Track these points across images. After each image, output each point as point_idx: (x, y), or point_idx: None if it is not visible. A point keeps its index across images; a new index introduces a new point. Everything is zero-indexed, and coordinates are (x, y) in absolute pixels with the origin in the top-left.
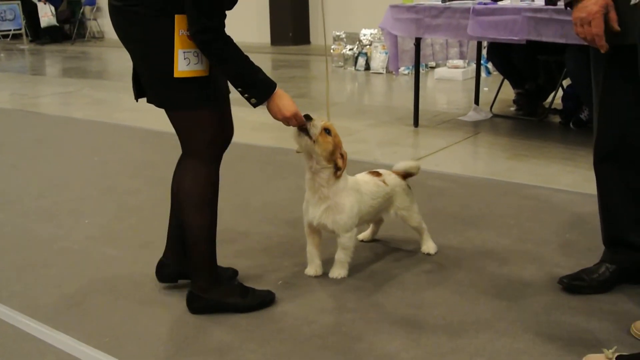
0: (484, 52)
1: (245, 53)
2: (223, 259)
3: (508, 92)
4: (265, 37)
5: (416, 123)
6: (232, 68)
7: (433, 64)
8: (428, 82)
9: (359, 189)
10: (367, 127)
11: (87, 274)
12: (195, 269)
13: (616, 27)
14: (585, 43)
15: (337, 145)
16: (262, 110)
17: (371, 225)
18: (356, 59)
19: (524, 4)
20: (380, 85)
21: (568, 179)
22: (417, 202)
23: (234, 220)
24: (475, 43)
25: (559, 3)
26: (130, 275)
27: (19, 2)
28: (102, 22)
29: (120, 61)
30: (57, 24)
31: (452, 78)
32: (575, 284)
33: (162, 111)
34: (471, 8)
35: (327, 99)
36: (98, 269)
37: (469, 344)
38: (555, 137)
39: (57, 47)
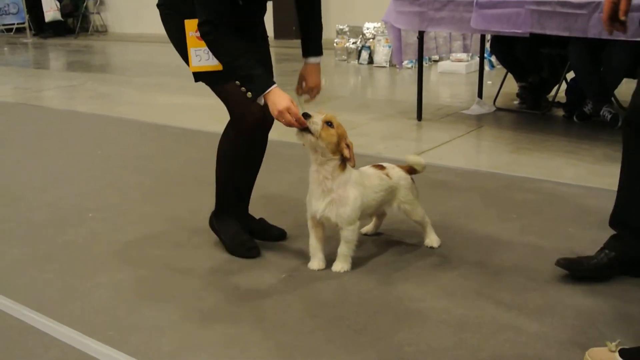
0: (488, 45)
1: None
2: (226, 253)
3: (511, 85)
4: (269, 30)
5: (419, 116)
6: (226, 60)
7: (436, 57)
8: (431, 75)
9: (362, 182)
10: (370, 121)
11: (91, 268)
12: (216, 197)
13: (622, 16)
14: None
15: (341, 136)
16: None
17: (374, 219)
18: (359, 52)
19: None
20: (383, 79)
21: (571, 172)
22: (420, 196)
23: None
24: (478, 36)
25: None
26: (135, 269)
27: None
28: (106, 16)
29: (123, 55)
30: (62, 19)
31: (455, 71)
32: (573, 267)
33: (165, 105)
34: (474, 1)
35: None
36: (102, 263)
37: (471, 337)
38: (559, 130)
39: (61, 41)
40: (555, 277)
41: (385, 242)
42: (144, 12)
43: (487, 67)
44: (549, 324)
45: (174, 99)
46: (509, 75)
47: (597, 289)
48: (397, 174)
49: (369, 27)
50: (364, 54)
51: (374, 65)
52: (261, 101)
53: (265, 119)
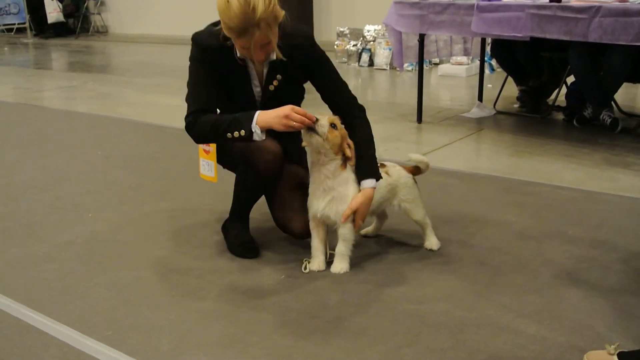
0: (488, 48)
1: None
2: (225, 254)
3: (511, 89)
4: None
5: (419, 119)
6: (208, 129)
7: (437, 60)
8: (432, 78)
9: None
10: (370, 123)
11: (90, 268)
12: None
13: None
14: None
15: (343, 137)
16: None
17: (375, 221)
18: (360, 55)
19: (528, 1)
20: (383, 82)
21: (571, 176)
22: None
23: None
24: (479, 40)
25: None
26: (134, 269)
27: None
28: (106, 17)
29: (123, 55)
30: (64, 20)
31: (455, 74)
32: None
33: (166, 106)
34: (475, 4)
35: None
36: (101, 263)
37: (470, 339)
38: (559, 134)
39: (61, 41)
40: (554, 280)
41: (385, 243)
42: (145, 13)
43: (487, 71)
44: (547, 326)
45: (175, 100)
46: (509, 79)
47: (596, 292)
48: (397, 172)
49: (370, 30)
50: (365, 57)
51: (375, 67)
52: (261, 135)
53: (278, 152)
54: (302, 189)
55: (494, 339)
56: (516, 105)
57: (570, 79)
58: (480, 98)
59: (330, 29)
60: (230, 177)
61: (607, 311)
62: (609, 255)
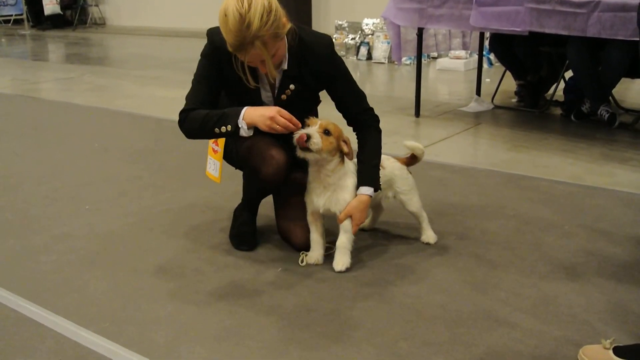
0: (486, 43)
1: None
2: (226, 244)
3: (510, 83)
4: None
5: (417, 113)
6: (198, 125)
7: (435, 54)
8: (430, 72)
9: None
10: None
11: (87, 260)
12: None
13: None
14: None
15: (339, 138)
16: None
17: (371, 213)
18: (358, 48)
19: None
20: (382, 75)
21: (568, 171)
22: (417, 191)
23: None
24: (477, 34)
25: None
26: (131, 262)
27: None
28: (104, 9)
29: (121, 48)
30: (61, 12)
31: (454, 69)
32: None
33: (163, 98)
34: None
35: None
36: (98, 255)
37: (466, 333)
38: (556, 129)
39: (59, 33)
40: (551, 274)
41: (382, 237)
42: (142, 5)
43: (485, 65)
44: (543, 321)
45: (172, 93)
46: (508, 73)
47: (592, 287)
48: (391, 164)
49: (368, 23)
50: (363, 50)
51: (373, 61)
52: (248, 131)
53: (282, 162)
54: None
55: (490, 332)
56: (514, 100)
57: (569, 74)
58: (478, 92)
59: (328, 22)
60: (231, 175)
61: (603, 306)
62: (606, 250)
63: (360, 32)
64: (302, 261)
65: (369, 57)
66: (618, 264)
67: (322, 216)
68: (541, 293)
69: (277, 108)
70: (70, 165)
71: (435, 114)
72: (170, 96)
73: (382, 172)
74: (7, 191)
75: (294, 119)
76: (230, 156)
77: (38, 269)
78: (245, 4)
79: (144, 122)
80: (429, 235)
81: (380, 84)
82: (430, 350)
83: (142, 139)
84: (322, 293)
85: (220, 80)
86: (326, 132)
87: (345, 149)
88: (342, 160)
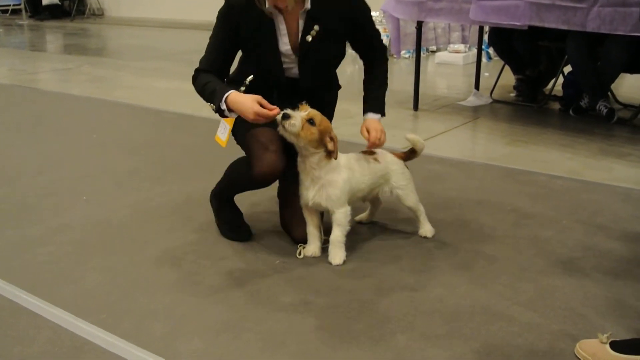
0: (485, 37)
1: None
2: (220, 238)
3: (508, 77)
4: None
5: (416, 107)
6: (198, 90)
7: (434, 48)
8: (429, 66)
9: (350, 165)
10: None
11: (85, 251)
12: (222, 185)
13: None
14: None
15: (323, 132)
16: None
17: (369, 207)
18: None
19: None
20: None
21: (566, 165)
22: (415, 186)
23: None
24: (477, 28)
25: None
26: (128, 254)
27: None
28: None
29: (119, 39)
30: (59, 2)
31: (453, 63)
32: None
33: (162, 90)
34: None
35: None
36: (96, 247)
37: (464, 326)
38: (555, 123)
39: (57, 24)
40: (548, 269)
41: (380, 230)
42: None
43: (484, 59)
44: (541, 314)
45: (171, 84)
46: (506, 68)
47: (589, 281)
48: (387, 158)
49: None
50: None
51: None
52: (229, 114)
53: (277, 169)
54: None
55: (488, 326)
56: (513, 94)
57: (567, 69)
58: (477, 86)
59: None
60: (228, 155)
61: (601, 300)
62: (604, 245)
63: None
64: (299, 254)
65: None
66: (616, 259)
67: (317, 211)
68: (539, 287)
69: (256, 99)
70: (68, 156)
71: (433, 108)
72: (169, 87)
73: (377, 166)
74: (5, 182)
75: (275, 108)
76: (236, 129)
77: (35, 260)
78: None
79: (143, 114)
80: (426, 229)
81: None
82: (427, 344)
83: (141, 131)
84: (319, 286)
85: (235, 41)
86: (310, 121)
87: (330, 146)
88: (328, 156)
